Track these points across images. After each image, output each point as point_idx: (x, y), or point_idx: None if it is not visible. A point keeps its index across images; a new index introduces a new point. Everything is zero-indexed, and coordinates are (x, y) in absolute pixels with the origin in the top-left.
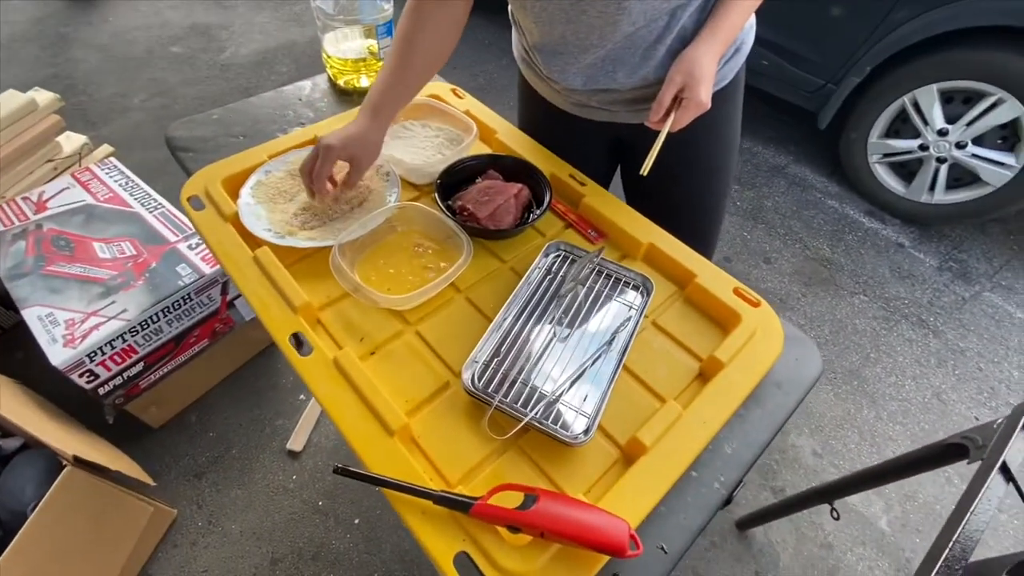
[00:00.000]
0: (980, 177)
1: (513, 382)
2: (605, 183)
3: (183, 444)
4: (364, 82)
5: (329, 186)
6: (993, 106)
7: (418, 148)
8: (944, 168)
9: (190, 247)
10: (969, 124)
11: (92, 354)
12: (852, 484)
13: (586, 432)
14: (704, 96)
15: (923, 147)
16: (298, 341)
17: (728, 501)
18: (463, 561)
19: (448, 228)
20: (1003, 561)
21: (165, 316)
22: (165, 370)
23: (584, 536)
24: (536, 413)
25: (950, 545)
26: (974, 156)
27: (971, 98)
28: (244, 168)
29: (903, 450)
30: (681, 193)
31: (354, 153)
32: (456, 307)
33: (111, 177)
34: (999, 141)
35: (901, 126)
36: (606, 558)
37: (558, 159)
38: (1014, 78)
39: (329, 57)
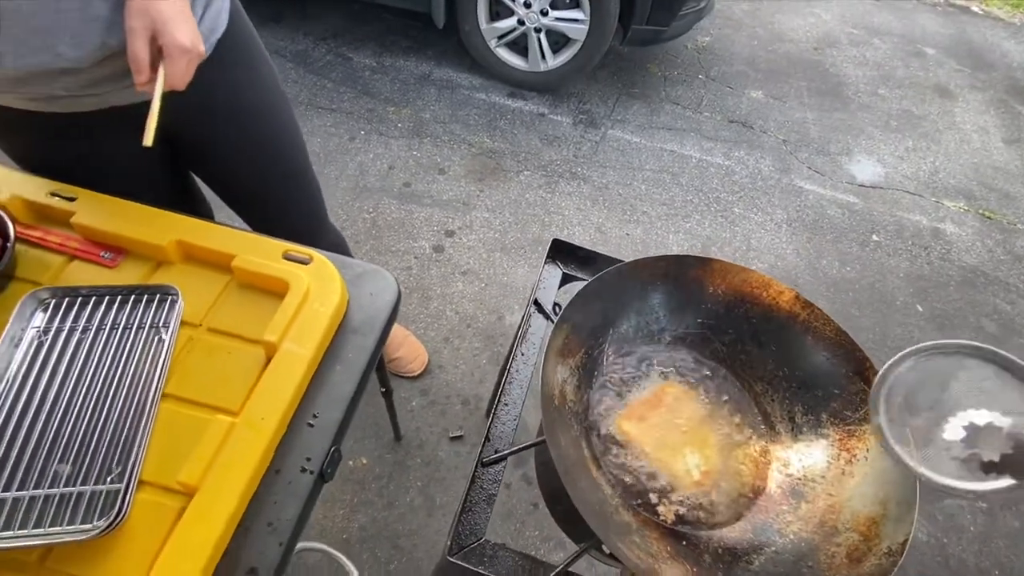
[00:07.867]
0: (568, 36)
1: (15, 505)
2: (160, 185)
3: None
4: None
5: None
6: None
7: None
8: (543, 36)
9: None
10: None
11: None
12: None
13: (117, 513)
14: (183, 37)
15: (520, 22)
16: None
17: (326, 472)
18: None
19: None
20: None
21: None
22: None
23: None
24: (38, 529)
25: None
26: (557, 19)
27: None
28: None
29: None
30: (247, 155)
31: None
32: None
33: None
34: (568, 1)
35: (500, 8)
36: None
37: (32, 176)
38: None
39: None
